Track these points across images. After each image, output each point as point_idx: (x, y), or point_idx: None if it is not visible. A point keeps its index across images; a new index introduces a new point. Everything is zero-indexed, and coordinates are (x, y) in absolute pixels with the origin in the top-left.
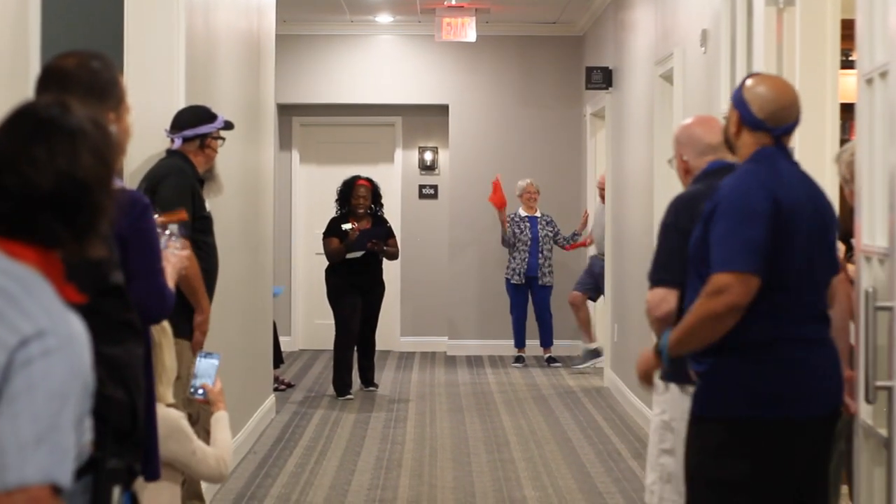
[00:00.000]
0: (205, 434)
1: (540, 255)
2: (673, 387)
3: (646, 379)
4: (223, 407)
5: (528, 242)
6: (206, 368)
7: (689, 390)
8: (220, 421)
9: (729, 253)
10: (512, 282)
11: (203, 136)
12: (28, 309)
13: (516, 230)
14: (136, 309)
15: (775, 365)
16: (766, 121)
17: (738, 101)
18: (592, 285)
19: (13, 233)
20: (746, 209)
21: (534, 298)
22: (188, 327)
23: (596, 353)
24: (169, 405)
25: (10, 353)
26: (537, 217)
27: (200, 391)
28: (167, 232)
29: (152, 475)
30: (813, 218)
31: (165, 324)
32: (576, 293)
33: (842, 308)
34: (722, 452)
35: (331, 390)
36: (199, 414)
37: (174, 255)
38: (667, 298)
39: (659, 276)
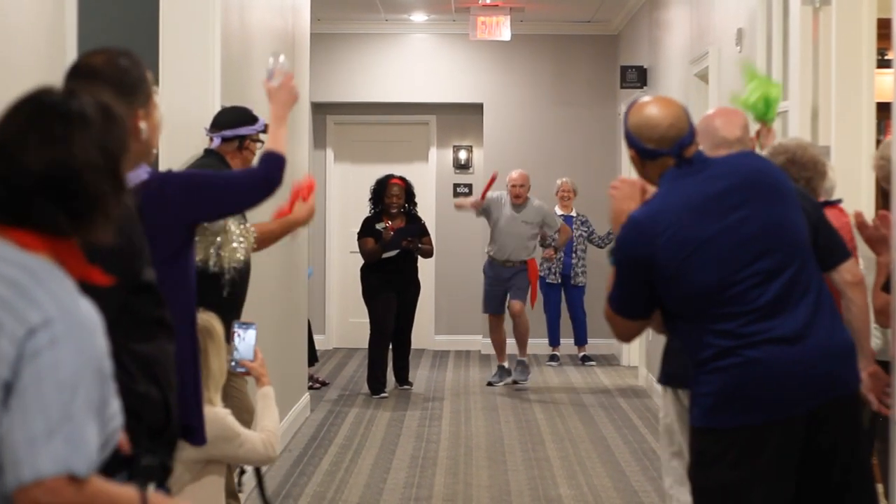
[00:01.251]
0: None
1: (574, 255)
2: (669, 389)
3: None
4: (267, 381)
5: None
6: (243, 341)
7: (681, 394)
8: (265, 398)
9: (612, 293)
10: (547, 280)
11: (242, 138)
12: (36, 298)
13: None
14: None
15: (726, 372)
16: (659, 147)
17: (628, 138)
18: (502, 297)
19: (14, 221)
20: (622, 261)
21: (567, 298)
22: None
23: (506, 371)
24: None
25: (19, 345)
26: (573, 216)
27: (241, 368)
28: (270, 61)
29: (199, 440)
30: (730, 218)
31: (214, 328)
32: (494, 317)
33: (859, 311)
34: (704, 461)
35: (365, 389)
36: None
37: (282, 87)
38: None
39: None
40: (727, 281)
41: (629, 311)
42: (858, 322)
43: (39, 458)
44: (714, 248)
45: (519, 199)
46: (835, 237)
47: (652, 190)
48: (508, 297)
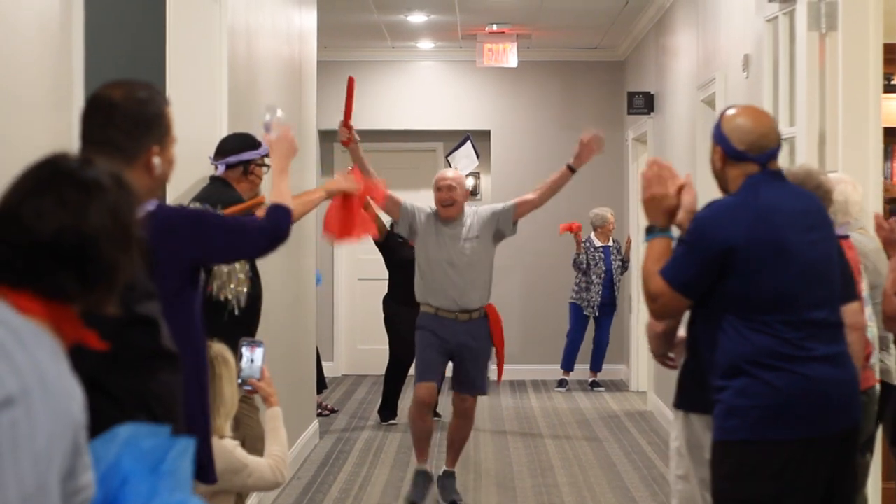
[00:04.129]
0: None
1: (615, 287)
2: (680, 413)
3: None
4: (275, 401)
5: (603, 274)
6: (250, 362)
7: (693, 418)
8: (273, 419)
9: (672, 267)
10: (584, 312)
11: (247, 163)
12: (17, 363)
13: (590, 261)
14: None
15: (778, 385)
16: (748, 151)
17: (719, 136)
18: (446, 358)
19: (20, 282)
20: (699, 243)
21: (598, 323)
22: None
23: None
24: (222, 437)
25: None
26: (609, 246)
27: (247, 385)
28: (267, 116)
29: (210, 479)
30: (806, 237)
31: (228, 356)
32: (427, 386)
33: (854, 355)
34: (741, 473)
35: (375, 416)
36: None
37: (281, 139)
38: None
39: None
40: (795, 293)
41: (692, 290)
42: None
43: None
44: (793, 259)
45: (452, 207)
46: (850, 274)
47: (681, 180)
48: (456, 380)
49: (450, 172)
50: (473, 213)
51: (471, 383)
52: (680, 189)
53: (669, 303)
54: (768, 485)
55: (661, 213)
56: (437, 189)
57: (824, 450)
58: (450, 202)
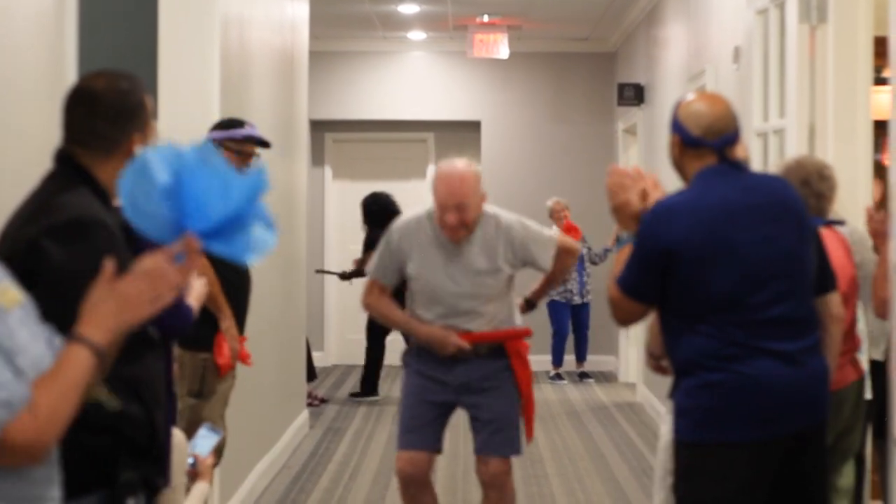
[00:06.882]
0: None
1: (584, 274)
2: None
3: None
4: (208, 479)
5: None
6: (204, 440)
7: None
8: (196, 490)
9: (625, 275)
10: (572, 303)
11: (218, 142)
12: None
13: None
14: (153, 323)
15: (719, 387)
16: (705, 136)
17: (675, 125)
18: (439, 418)
19: None
20: (642, 246)
21: (575, 316)
22: (210, 341)
23: None
24: None
25: None
26: None
27: (191, 460)
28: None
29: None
30: (758, 234)
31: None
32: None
33: (834, 346)
34: (689, 474)
35: (364, 406)
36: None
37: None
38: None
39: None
40: (743, 293)
41: (641, 294)
42: (830, 357)
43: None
44: (739, 258)
45: (462, 231)
46: (828, 265)
47: (652, 179)
48: (475, 437)
49: (455, 178)
50: (494, 226)
51: (492, 438)
52: (644, 192)
53: (625, 308)
54: (713, 487)
55: (628, 219)
56: (441, 207)
57: (774, 452)
58: (459, 225)
